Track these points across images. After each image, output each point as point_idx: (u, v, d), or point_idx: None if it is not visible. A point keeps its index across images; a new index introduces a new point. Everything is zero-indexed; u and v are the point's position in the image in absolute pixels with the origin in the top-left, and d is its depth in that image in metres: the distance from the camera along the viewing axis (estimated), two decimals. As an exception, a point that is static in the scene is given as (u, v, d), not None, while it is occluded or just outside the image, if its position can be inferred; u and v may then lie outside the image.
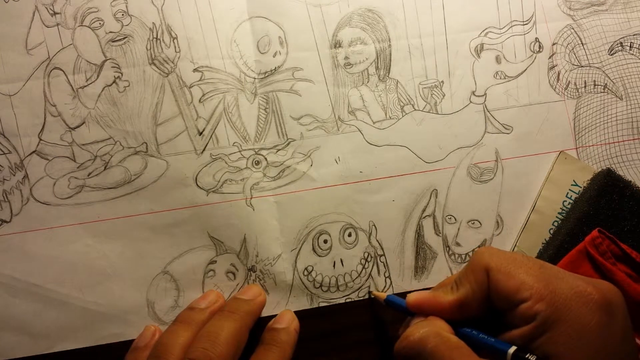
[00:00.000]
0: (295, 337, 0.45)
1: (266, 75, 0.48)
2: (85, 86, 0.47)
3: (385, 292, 0.48)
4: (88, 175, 0.47)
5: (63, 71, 0.47)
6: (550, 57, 0.50)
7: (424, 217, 0.49)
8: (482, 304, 0.36)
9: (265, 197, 0.48)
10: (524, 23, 0.50)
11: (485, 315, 0.37)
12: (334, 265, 0.48)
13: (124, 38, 0.47)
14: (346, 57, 0.49)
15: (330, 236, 0.48)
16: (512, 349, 0.33)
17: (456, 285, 0.38)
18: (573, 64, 0.50)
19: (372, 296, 0.48)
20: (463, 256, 0.49)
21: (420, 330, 0.36)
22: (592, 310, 0.32)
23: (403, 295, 0.48)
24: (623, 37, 0.50)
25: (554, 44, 0.50)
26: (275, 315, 0.47)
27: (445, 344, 0.34)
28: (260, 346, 0.44)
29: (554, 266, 0.36)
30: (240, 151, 0.48)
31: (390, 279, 0.49)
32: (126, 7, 0.47)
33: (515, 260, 0.36)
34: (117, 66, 0.47)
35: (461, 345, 0.34)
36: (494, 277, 0.35)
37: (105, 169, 0.47)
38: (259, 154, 0.48)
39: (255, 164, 0.48)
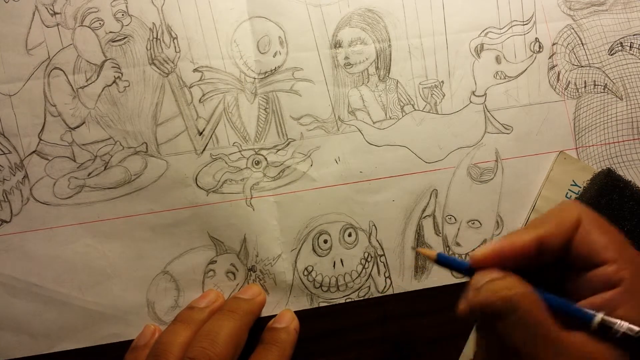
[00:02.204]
0: (295, 336, 0.45)
1: (266, 75, 0.48)
2: (85, 86, 0.47)
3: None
4: (88, 175, 0.47)
5: (63, 71, 0.47)
6: (550, 57, 0.50)
7: (424, 217, 0.49)
8: (562, 249, 0.33)
9: (265, 197, 0.48)
10: (524, 23, 0.50)
11: (545, 280, 0.34)
12: (334, 265, 0.48)
13: (124, 38, 0.47)
14: (346, 57, 0.49)
15: (330, 236, 0.48)
16: (599, 316, 0.30)
17: (535, 225, 0.34)
18: (573, 64, 0.50)
19: (419, 254, 0.45)
20: (463, 256, 0.49)
21: (512, 284, 0.32)
22: None
23: (406, 295, 0.48)
24: (623, 37, 0.50)
25: (554, 44, 0.50)
26: (275, 315, 0.47)
27: (542, 310, 0.31)
28: (260, 345, 0.44)
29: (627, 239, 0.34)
30: (240, 151, 0.48)
31: (390, 279, 0.49)
32: (126, 7, 0.47)
33: (604, 222, 0.33)
34: (117, 66, 0.47)
35: (550, 314, 0.31)
36: (585, 229, 0.33)
37: (105, 169, 0.47)
38: (259, 154, 0.48)
39: (255, 164, 0.48)
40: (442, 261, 0.36)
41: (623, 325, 0.29)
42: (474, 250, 0.36)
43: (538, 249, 0.33)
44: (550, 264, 0.34)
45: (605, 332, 0.30)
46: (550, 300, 0.32)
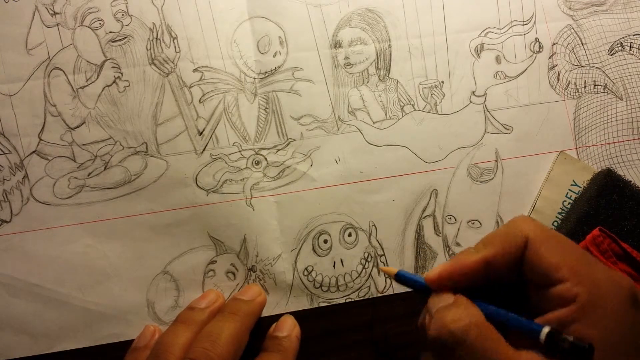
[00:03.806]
0: (297, 343, 0.45)
1: (266, 75, 0.48)
2: (85, 86, 0.47)
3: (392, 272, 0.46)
4: (88, 175, 0.47)
5: (63, 71, 0.47)
6: (550, 57, 0.50)
7: (424, 217, 0.49)
8: (510, 269, 0.34)
9: (265, 197, 0.48)
10: (524, 23, 0.50)
11: (507, 296, 0.35)
12: (334, 265, 0.48)
13: (124, 38, 0.47)
14: (346, 57, 0.49)
15: (330, 236, 0.48)
16: (546, 329, 0.31)
17: (483, 245, 0.36)
18: (573, 64, 0.50)
19: (385, 275, 0.46)
20: (463, 256, 0.49)
21: (459, 316, 0.33)
22: (625, 298, 0.32)
23: (406, 295, 0.48)
24: (623, 37, 0.50)
25: (554, 44, 0.50)
26: (275, 316, 0.47)
27: (489, 338, 0.32)
28: (263, 354, 0.44)
29: (585, 251, 0.35)
30: (240, 151, 0.48)
31: (390, 279, 0.49)
32: (126, 7, 0.47)
33: (556, 237, 0.34)
34: (117, 66, 0.47)
35: (501, 337, 0.32)
36: (534, 248, 0.33)
37: (105, 169, 0.47)
38: (259, 154, 0.48)
39: (255, 164, 0.48)
40: (402, 279, 0.39)
41: (569, 338, 0.30)
42: (428, 271, 0.37)
43: (485, 269, 0.34)
44: (512, 280, 0.35)
45: (553, 347, 0.31)
46: (501, 316, 0.33)
